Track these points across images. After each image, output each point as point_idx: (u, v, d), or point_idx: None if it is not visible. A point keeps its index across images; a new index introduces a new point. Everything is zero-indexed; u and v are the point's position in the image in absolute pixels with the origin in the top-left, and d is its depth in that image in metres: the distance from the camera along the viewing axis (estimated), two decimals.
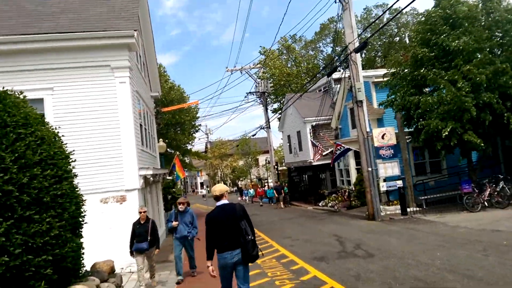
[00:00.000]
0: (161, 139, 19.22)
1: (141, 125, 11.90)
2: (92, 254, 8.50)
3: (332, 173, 25.92)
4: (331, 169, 25.75)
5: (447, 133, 13.85)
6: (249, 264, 5.29)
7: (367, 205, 15.28)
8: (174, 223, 8.84)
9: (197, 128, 26.54)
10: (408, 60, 15.84)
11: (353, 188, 20.92)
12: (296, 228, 15.51)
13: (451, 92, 13.64)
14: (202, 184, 72.13)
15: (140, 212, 8.37)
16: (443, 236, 10.42)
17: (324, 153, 24.49)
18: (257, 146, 56.00)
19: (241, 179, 59.54)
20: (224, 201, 5.43)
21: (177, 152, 20.11)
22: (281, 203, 27.20)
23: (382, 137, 17.14)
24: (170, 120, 22.89)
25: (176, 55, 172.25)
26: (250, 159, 57.06)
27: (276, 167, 35.45)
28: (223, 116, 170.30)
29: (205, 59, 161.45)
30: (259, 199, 33.07)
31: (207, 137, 64.25)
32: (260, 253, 5.34)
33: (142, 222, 8.24)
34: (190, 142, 26.62)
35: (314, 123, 25.79)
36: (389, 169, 17.18)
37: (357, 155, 22.11)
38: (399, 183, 16.67)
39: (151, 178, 11.35)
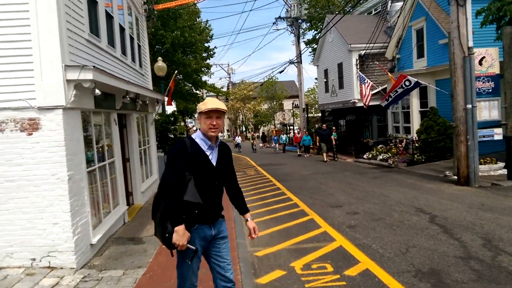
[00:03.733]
0: (160, 58, 13.99)
1: (95, 1, 6.62)
2: None
3: (381, 117, 20.36)
4: (379, 113, 20.17)
5: None
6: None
7: (458, 162, 9.90)
8: None
9: (211, 52, 20.79)
10: None
11: (415, 137, 15.49)
12: (345, 189, 10.37)
13: None
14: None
15: None
16: None
17: (373, 91, 18.90)
18: (283, 89, 50.02)
19: (263, 124, 54.26)
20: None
21: (176, 71, 14.76)
22: (325, 154, 19.23)
23: (480, 63, 11.48)
24: (177, 39, 17.33)
25: None
26: (274, 103, 51.25)
27: (305, 110, 29.94)
28: (247, 51, 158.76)
29: None
30: (297, 147, 24.97)
31: (229, 77, 58.86)
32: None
33: None
34: (203, 70, 21.11)
35: (362, 52, 19.81)
36: (484, 110, 11.63)
37: (422, 93, 16.45)
38: (498, 131, 11.26)
39: (102, 95, 6.28)
